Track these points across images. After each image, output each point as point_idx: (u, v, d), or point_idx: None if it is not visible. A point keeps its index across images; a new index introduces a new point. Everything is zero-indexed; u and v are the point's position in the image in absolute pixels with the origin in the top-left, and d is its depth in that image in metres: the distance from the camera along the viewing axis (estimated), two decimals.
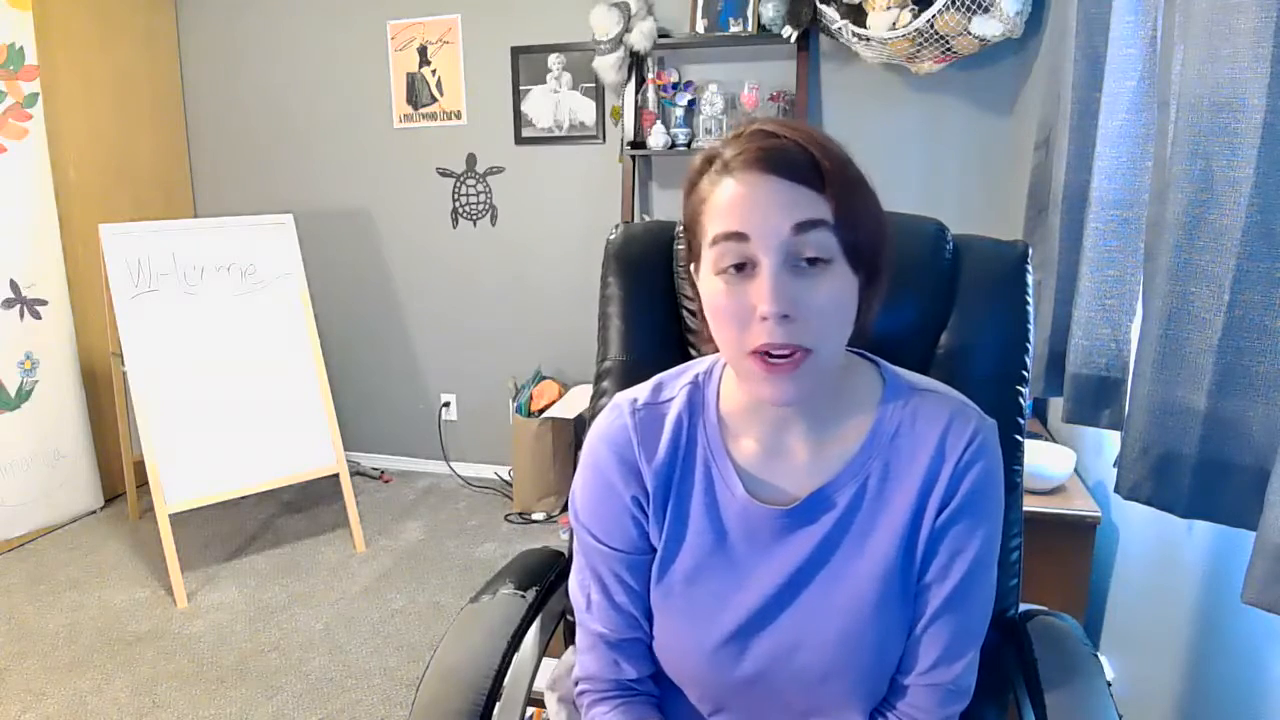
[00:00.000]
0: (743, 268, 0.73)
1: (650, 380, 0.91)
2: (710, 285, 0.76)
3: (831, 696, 0.83)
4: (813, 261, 0.73)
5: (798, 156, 0.73)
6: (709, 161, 0.78)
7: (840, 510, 0.82)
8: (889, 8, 2.34)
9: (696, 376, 0.89)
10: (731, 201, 0.74)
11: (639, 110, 2.91)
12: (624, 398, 0.89)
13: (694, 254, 0.81)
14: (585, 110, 3.07)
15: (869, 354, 0.89)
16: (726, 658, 0.84)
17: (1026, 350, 1.06)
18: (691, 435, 0.86)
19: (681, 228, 1.12)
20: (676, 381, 0.90)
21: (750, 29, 2.73)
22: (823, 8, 2.50)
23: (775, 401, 0.77)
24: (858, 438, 0.83)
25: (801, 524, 0.82)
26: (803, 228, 0.72)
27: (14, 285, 2.78)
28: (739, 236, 0.73)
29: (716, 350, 0.90)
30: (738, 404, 0.86)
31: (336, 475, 2.80)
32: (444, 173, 3.28)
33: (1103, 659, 1.13)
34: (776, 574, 0.83)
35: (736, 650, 0.83)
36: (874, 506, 0.82)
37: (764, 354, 0.73)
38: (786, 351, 0.73)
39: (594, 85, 3.03)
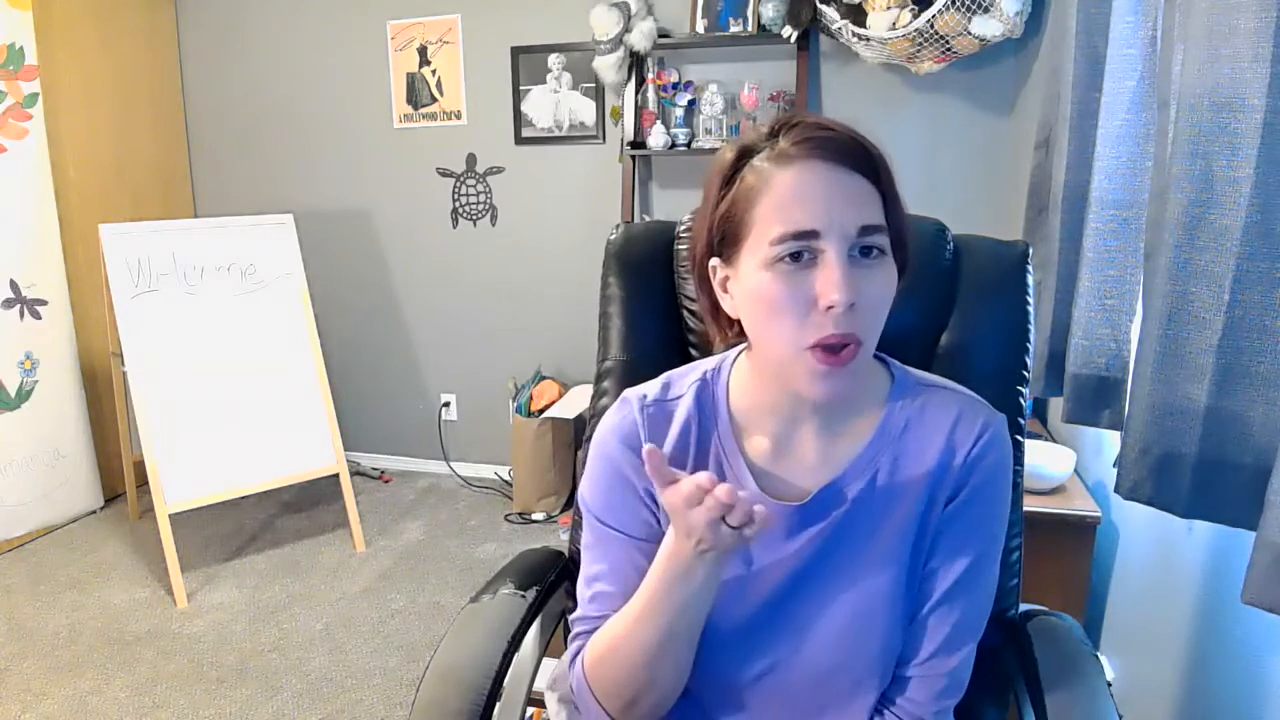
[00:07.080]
0: (798, 257, 0.73)
1: (659, 378, 0.91)
2: (759, 277, 0.75)
3: (839, 688, 0.83)
4: (867, 252, 0.73)
5: (854, 147, 0.74)
6: (745, 154, 0.77)
7: (850, 504, 0.82)
8: (889, 8, 2.34)
9: (705, 374, 0.89)
10: (799, 193, 0.73)
11: (639, 110, 2.91)
12: (633, 393, 0.89)
13: (731, 246, 0.78)
14: (585, 110, 3.07)
15: (877, 351, 0.89)
16: (737, 651, 0.84)
17: (1027, 350, 1.07)
18: (702, 432, 0.86)
19: (684, 227, 1.13)
20: (684, 380, 0.90)
21: (750, 29, 2.73)
22: (823, 8, 2.50)
23: (825, 397, 0.76)
24: (867, 433, 0.84)
25: (813, 519, 0.83)
26: (867, 219, 0.73)
27: (14, 285, 2.78)
28: (810, 233, 0.72)
29: (725, 348, 0.90)
30: (748, 400, 0.86)
31: (336, 475, 2.80)
32: (444, 173, 3.28)
33: (1103, 659, 1.13)
34: (788, 567, 0.83)
35: (747, 644, 0.84)
36: (883, 500, 0.82)
37: (823, 348, 0.73)
38: (846, 343, 0.73)
39: (594, 85, 3.03)
